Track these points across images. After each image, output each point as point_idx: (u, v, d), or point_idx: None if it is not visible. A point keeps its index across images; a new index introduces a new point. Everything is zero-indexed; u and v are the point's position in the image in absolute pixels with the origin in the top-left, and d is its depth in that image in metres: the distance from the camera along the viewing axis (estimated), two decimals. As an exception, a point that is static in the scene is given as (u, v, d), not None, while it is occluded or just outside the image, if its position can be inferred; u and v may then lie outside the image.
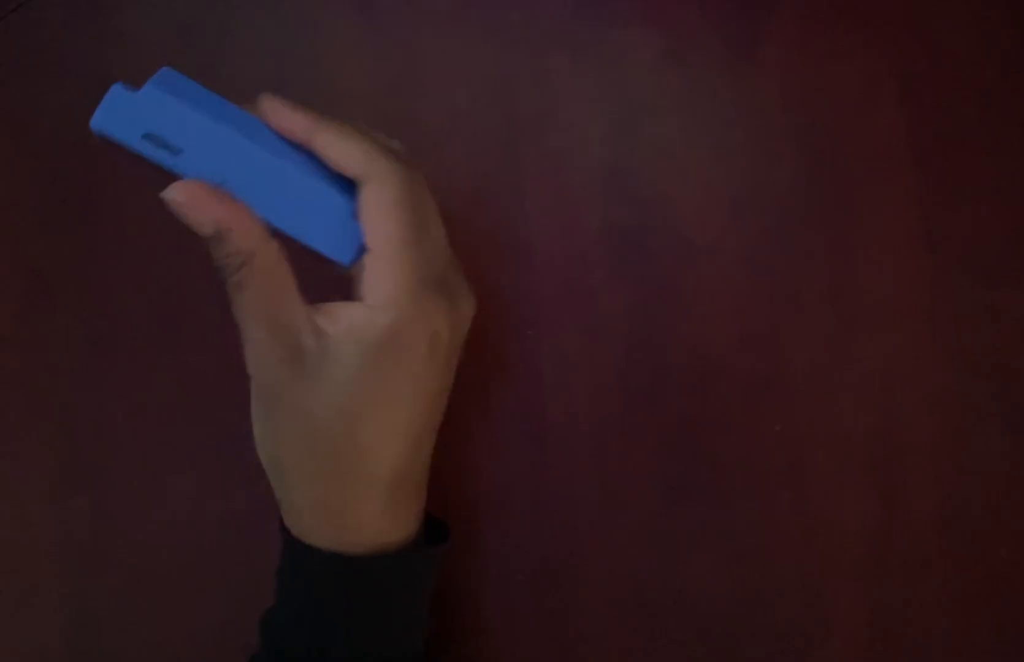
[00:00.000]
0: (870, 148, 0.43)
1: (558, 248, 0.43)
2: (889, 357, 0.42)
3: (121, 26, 0.45)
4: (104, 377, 0.42)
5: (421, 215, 0.30)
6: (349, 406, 0.30)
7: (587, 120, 0.44)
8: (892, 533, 0.41)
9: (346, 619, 0.32)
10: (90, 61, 0.44)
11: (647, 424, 0.42)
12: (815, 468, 0.42)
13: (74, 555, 0.41)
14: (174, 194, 0.29)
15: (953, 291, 0.43)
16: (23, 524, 0.41)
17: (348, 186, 0.31)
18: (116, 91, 0.29)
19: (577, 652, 0.41)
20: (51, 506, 0.42)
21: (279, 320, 0.30)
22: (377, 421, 0.30)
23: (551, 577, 0.41)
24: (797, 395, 0.42)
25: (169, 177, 0.30)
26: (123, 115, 0.29)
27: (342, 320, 0.30)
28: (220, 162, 0.30)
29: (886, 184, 0.43)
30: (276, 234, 0.30)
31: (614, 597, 0.41)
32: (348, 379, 0.30)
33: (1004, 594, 0.41)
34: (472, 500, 0.42)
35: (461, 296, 0.32)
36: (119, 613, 0.41)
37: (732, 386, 0.42)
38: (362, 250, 0.31)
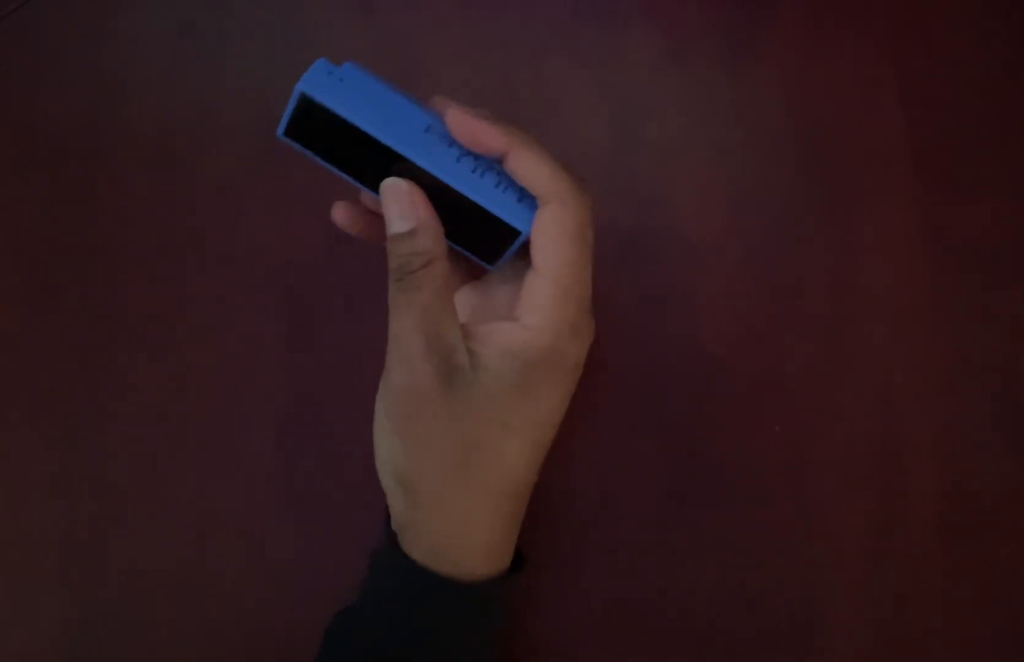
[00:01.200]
0: (870, 148, 0.44)
1: (558, 248, 0.43)
2: (889, 357, 0.42)
3: (121, 26, 0.45)
4: (104, 377, 0.42)
5: (590, 240, 0.31)
6: (501, 417, 0.31)
7: (587, 120, 0.44)
8: (892, 533, 0.41)
9: (447, 638, 0.32)
10: (90, 61, 0.44)
11: (647, 423, 0.42)
12: (815, 468, 0.42)
13: (74, 555, 0.41)
14: (395, 183, 0.31)
15: (953, 291, 0.43)
16: (23, 524, 0.41)
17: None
18: (321, 64, 0.31)
19: (577, 652, 0.41)
20: (51, 506, 0.42)
21: (439, 330, 0.30)
22: (522, 436, 0.31)
23: (551, 577, 0.41)
24: (797, 395, 0.42)
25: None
26: (328, 84, 0.30)
27: (495, 339, 0.31)
28: (413, 132, 0.31)
29: (886, 184, 0.43)
30: (451, 207, 0.31)
31: (614, 597, 0.41)
32: (504, 392, 0.30)
33: (1003, 594, 0.41)
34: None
35: (593, 321, 0.33)
36: (119, 613, 0.41)
37: (732, 386, 0.42)
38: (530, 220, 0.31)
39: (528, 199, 0.31)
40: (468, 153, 0.31)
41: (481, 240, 0.33)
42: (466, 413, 0.30)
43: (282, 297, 0.43)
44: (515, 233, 0.32)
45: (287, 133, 0.32)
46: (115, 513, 0.42)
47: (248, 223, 0.43)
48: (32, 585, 0.41)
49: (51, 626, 0.41)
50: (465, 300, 0.36)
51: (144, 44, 0.45)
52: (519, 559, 0.35)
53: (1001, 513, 0.41)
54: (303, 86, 0.30)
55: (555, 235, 0.30)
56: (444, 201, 0.31)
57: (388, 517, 0.33)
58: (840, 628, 0.41)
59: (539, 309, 0.30)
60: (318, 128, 0.31)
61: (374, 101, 0.31)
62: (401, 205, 0.31)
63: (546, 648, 0.41)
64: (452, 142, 0.31)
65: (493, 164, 0.32)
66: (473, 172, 0.31)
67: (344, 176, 0.32)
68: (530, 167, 0.31)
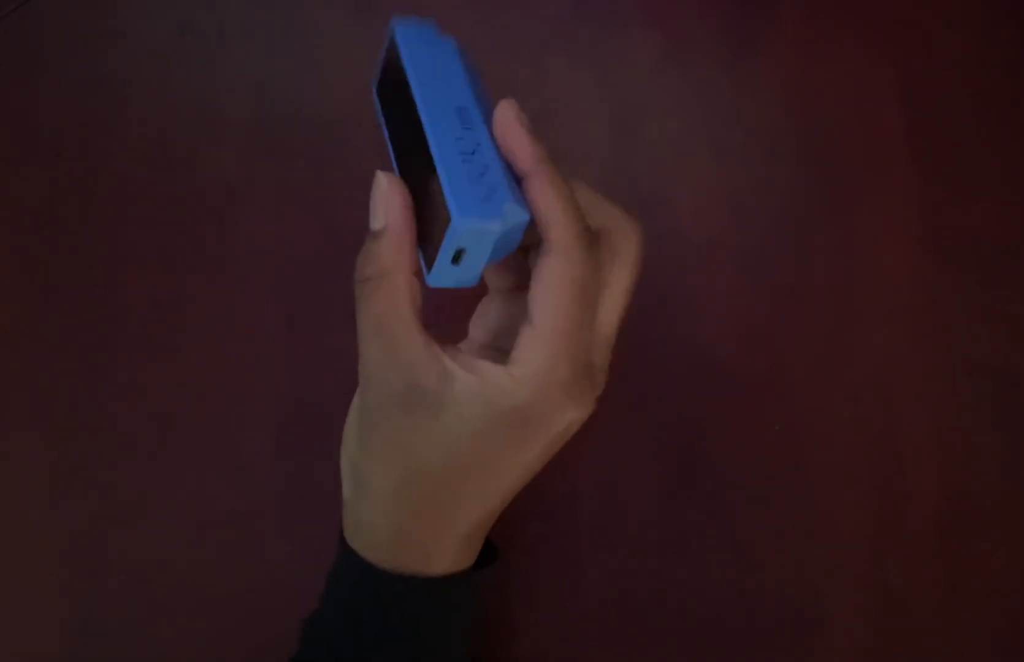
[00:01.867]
0: (870, 148, 0.44)
1: (558, 248, 0.43)
2: (889, 357, 0.42)
3: (121, 26, 0.45)
4: (104, 377, 0.42)
5: (591, 299, 0.29)
6: (460, 459, 0.29)
7: (587, 120, 0.44)
8: (892, 533, 0.41)
9: (400, 637, 0.32)
10: (90, 62, 0.44)
11: (647, 423, 0.42)
12: (815, 468, 0.42)
13: (74, 555, 0.41)
14: (379, 176, 0.29)
15: (953, 291, 0.43)
16: (23, 524, 0.41)
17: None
18: (426, 25, 0.31)
19: (577, 651, 0.41)
20: (51, 506, 0.42)
21: (397, 347, 0.29)
22: (483, 481, 0.30)
23: (551, 577, 0.41)
24: (797, 394, 0.42)
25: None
26: (412, 36, 0.31)
27: (474, 376, 0.29)
28: (444, 103, 0.30)
29: (886, 184, 0.43)
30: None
31: (614, 597, 0.41)
32: (467, 435, 0.29)
33: (1003, 594, 0.41)
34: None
35: (601, 375, 0.31)
36: (119, 613, 0.41)
37: (732, 386, 0.42)
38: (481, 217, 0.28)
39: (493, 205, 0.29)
40: (474, 151, 0.30)
41: (432, 228, 0.30)
42: (423, 443, 0.29)
43: (282, 297, 0.43)
44: (447, 219, 0.28)
45: (378, 87, 0.33)
46: (115, 513, 0.42)
47: (248, 223, 0.43)
48: (32, 585, 0.41)
49: (51, 626, 0.41)
50: (492, 310, 0.34)
51: (144, 44, 0.45)
52: (493, 554, 0.34)
53: (1001, 513, 0.41)
54: (395, 23, 0.31)
55: (549, 290, 0.28)
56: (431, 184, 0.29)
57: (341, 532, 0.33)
58: (840, 627, 0.41)
59: (526, 363, 0.29)
60: (392, 83, 0.31)
61: (435, 67, 0.31)
62: (376, 200, 0.29)
63: (545, 648, 0.41)
64: (467, 126, 0.30)
65: (494, 171, 0.30)
66: (461, 154, 0.29)
67: (392, 156, 0.32)
68: (544, 205, 0.29)
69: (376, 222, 0.29)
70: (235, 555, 0.41)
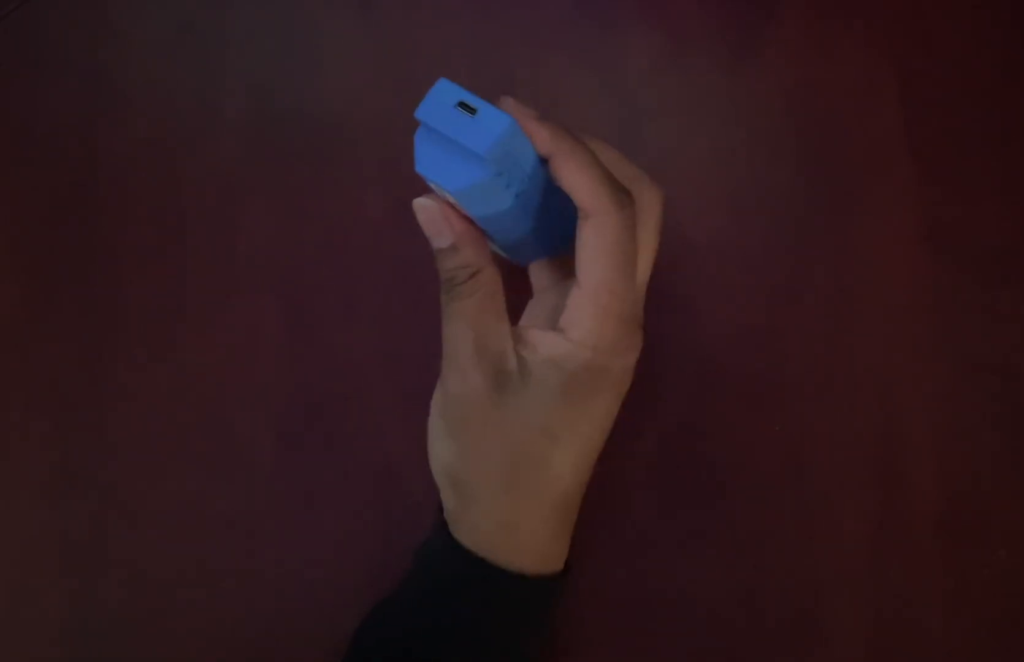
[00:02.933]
0: (870, 148, 0.44)
1: (558, 248, 0.43)
2: (889, 357, 0.42)
3: (121, 26, 0.45)
4: (104, 377, 0.42)
5: (630, 255, 0.31)
6: (549, 427, 0.31)
7: (587, 120, 0.44)
8: (892, 533, 0.41)
9: (489, 631, 0.33)
10: (90, 61, 0.44)
11: (646, 424, 0.42)
12: (815, 468, 0.42)
13: (74, 555, 0.41)
14: (423, 204, 0.31)
15: (953, 291, 0.43)
16: (23, 524, 0.41)
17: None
18: (442, 83, 0.31)
19: (577, 651, 0.41)
20: (51, 506, 0.42)
21: (488, 338, 0.31)
22: (571, 446, 0.32)
23: (551, 577, 0.41)
24: (797, 395, 0.42)
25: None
26: (439, 101, 0.31)
27: (543, 348, 0.31)
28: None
29: (886, 184, 0.43)
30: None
31: (613, 598, 0.41)
32: (550, 401, 0.31)
33: (1004, 594, 0.41)
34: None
35: (640, 319, 0.33)
36: (119, 613, 0.41)
37: (732, 386, 0.42)
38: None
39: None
40: None
41: None
42: (515, 420, 0.31)
43: (282, 296, 0.43)
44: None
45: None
46: (115, 513, 0.42)
47: (248, 223, 0.43)
48: (32, 585, 0.41)
49: (51, 626, 0.41)
50: (539, 307, 0.36)
51: (144, 43, 0.45)
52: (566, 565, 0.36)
53: (1001, 513, 0.41)
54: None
55: (592, 253, 0.30)
56: None
57: (439, 509, 0.34)
58: (840, 628, 0.41)
59: (579, 324, 0.31)
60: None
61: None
62: (435, 225, 0.31)
63: (545, 648, 0.41)
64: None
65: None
66: None
67: None
68: (572, 179, 0.30)
69: (443, 239, 0.31)
70: (235, 555, 0.41)
